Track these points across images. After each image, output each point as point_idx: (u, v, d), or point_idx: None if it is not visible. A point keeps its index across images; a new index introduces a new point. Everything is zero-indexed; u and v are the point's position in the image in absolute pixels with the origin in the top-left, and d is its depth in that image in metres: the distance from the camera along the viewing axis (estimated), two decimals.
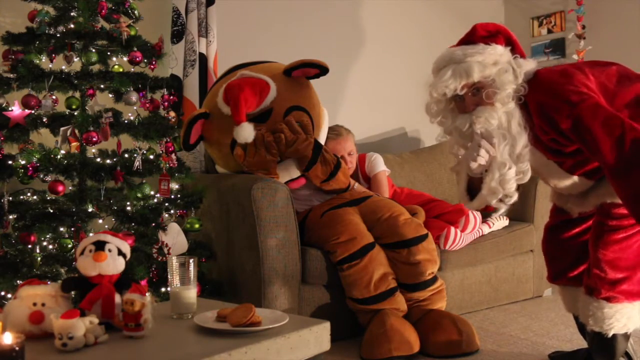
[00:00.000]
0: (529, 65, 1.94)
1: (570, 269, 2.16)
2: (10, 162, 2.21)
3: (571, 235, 2.16)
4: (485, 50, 1.91)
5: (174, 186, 2.41)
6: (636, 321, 1.95)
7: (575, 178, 2.02)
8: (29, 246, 2.17)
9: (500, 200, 1.95)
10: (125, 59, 2.39)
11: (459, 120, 1.94)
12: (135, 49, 2.36)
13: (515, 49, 1.99)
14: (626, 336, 1.98)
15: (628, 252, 1.90)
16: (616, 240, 1.91)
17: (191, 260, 1.67)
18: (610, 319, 1.91)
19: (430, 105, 2.02)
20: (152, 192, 2.34)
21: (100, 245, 1.50)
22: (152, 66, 2.44)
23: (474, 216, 2.98)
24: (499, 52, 1.92)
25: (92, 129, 2.18)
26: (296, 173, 2.74)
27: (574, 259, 2.14)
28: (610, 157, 1.70)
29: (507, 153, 1.88)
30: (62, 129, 2.18)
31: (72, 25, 2.30)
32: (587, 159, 1.95)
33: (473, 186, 2.03)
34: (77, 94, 2.31)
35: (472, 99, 1.92)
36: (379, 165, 3.23)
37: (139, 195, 2.29)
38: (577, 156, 1.94)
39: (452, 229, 2.89)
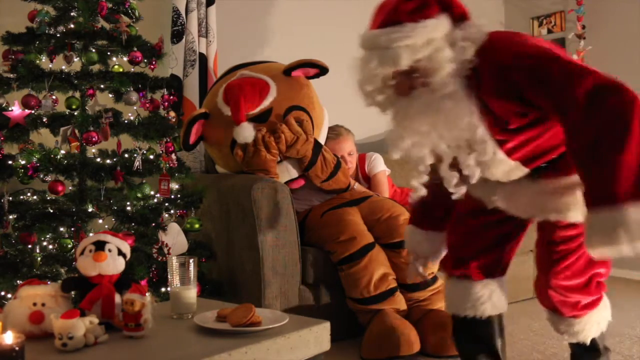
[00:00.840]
0: (477, 31, 1.61)
1: (474, 257, 1.91)
2: (10, 162, 2.22)
3: (484, 223, 1.92)
4: (413, 31, 1.57)
5: (174, 186, 2.41)
6: (607, 316, 1.90)
7: (512, 163, 1.72)
8: (29, 246, 2.17)
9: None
10: (125, 59, 2.40)
11: (396, 106, 1.69)
12: (135, 49, 2.36)
13: (454, 11, 1.63)
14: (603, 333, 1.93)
15: (579, 273, 1.80)
16: (567, 267, 1.78)
17: (191, 260, 1.67)
18: (582, 332, 1.86)
19: (363, 84, 1.69)
20: (152, 192, 2.34)
21: (100, 245, 1.50)
22: (152, 66, 2.44)
23: None
24: (430, 28, 1.58)
25: (92, 129, 2.18)
26: (296, 173, 2.74)
27: (482, 249, 1.92)
28: (572, 99, 1.45)
29: (444, 135, 1.63)
30: (62, 129, 2.18)
31: (72, 25, 2.31)
32: (529, 140, 1.68)
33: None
34: (77, 94, 2.32)
35: (406, 83, 1.65)
36: (379, 165, 3.23)
37: (139, 195, 2.29)
38: (522, 134, 1.66)
39: None
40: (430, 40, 1.58)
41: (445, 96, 1.59)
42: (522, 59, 1.53)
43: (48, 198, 2.27)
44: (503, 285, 1.96)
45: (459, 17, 1.64)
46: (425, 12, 1.60)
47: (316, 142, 2.74)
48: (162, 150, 2.38)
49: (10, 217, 2.20)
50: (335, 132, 3.13)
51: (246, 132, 2.60)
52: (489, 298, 1.92)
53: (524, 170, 1.76)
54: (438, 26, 1.59)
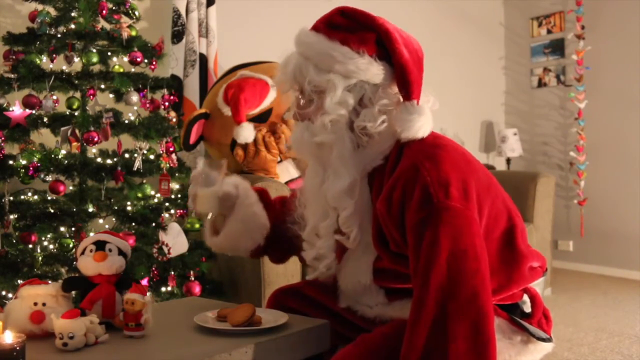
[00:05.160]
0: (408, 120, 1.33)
1: None
2: (11, 162, 2.22)
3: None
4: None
5: (174, 186, 2.42)
6: None
7: (375, 286, 1.48)
8: (30, 246, 2.17)
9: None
10: (125, 59, 2.40)
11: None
12: (136, 49, 2.37)
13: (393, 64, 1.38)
14: None
15: None
16: None
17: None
18: None
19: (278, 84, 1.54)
20: (152, 192, 2.35)
21: (100, 245, 1.50)
22: (152, 66, 2.45)
23: None
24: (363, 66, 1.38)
25: (92, 129, 2.19)
26: (296, 173, 2.75)
27: None
28: (430, 296, 1.20)
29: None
30: (62, 129, 2.19)
31: (72, 26, 2.31)
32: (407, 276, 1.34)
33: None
34: (78, 94, 2.32)
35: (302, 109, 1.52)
36: None
37: (139, 195, 2.29)
38: (400, 263, 1.36)
39: None
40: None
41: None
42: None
43: (49, 198, 2.28)
44: None
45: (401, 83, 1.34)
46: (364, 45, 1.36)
47: None
48: (162, 150, 2.38)
49: (11, 216, 2.21)
50: None
51: (246, 132, 2.60)
52: None
53: (383, 302, 1.50)
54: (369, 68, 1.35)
